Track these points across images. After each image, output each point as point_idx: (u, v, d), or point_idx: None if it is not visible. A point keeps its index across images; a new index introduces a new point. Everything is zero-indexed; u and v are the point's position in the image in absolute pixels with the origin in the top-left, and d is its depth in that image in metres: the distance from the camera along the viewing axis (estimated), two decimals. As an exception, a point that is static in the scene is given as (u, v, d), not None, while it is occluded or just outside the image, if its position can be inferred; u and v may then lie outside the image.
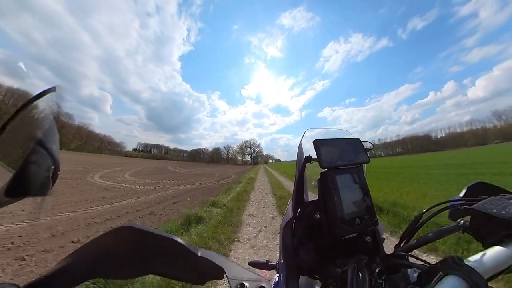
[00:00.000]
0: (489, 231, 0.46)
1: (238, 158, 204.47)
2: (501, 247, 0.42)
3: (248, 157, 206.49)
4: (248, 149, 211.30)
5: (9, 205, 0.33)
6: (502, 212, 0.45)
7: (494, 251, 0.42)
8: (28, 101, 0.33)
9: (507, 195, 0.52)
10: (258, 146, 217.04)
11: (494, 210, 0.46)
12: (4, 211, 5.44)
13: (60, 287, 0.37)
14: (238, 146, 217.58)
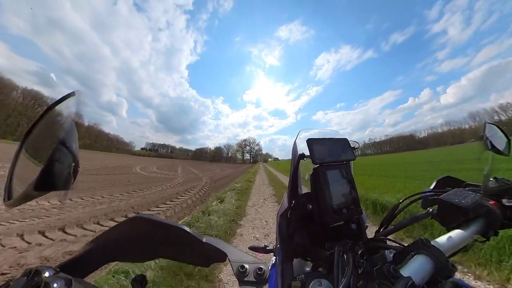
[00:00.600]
0: (451, 217, 0.51)
1: (238, 156, 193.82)
2: (460, 230, 0.46)
3: (247, 156, 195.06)
4: (247, 147, 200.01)
5: (37, 198, 0.34)
6: (463, 201, 0.49)
7: (455, 234, 0.46)
8: (51, 105, 0.34)
9: (468, 187, 0.57)
10: (258, 144, 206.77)
11: (456, 200, 0.50)
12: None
13: (86, 268, 0.39)
14: (237, 144, 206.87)
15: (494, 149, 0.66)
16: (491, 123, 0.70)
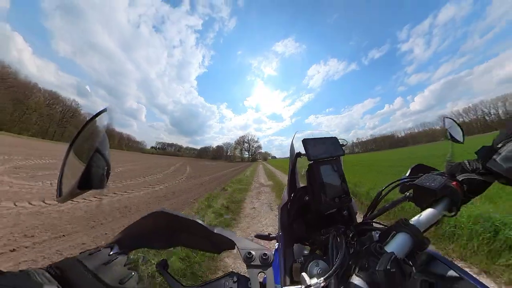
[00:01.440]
0: (424, 198, 0.54)
1: (237, 154, 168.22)
2: (431, 209, 0.49)
3: (247, 154, 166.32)
4: (246, 144, 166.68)
5: (79, 196, 0.37)
6: (432, 184, 0.52)
7: (427, 212, 0.49)
8: (89, 119, 0.38)
9: (436, 172, 0.60)
10: (257, 141, 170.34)
11: (427, 183, 0.53)
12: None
13: (123, 249, 0.41)
14: (235, 142, 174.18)
15: (452, 138, 0.73)
16: (449, 117, 0.76)
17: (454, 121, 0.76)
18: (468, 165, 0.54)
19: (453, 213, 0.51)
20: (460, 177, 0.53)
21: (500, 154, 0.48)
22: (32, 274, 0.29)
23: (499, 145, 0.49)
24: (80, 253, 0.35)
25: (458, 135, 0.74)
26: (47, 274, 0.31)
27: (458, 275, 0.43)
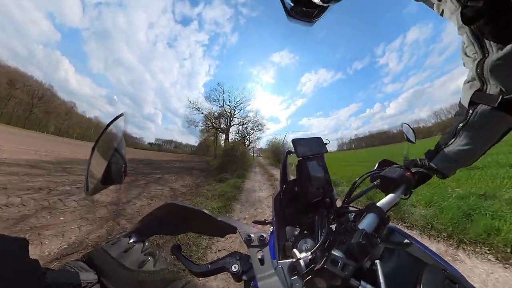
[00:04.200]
0: (387, 186, 0.66)
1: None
2: (392, 194, 0.61)
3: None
4: (229, 118, 29.96)
5: (102, 190, 0.41)
6: (393, 175, 0.65)
7: (389, 197, 0.60)
8: (109, 123, 0.41)
9: (396, 165, 0.73)
10: (255, 120, 30.49)
11: (390, 174, 0.65)
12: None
13: (138, 237, 0.46)
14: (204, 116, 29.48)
15: (408, 139, 0.92)
16: (405, 123, 0.95)
17: (409, 126, 0.94)
18: (419, 162, 0.69)
19: (407, 196, 0.65)
20: (413, 170, 0.68)
21: (439, 156, 0.63)
22: (74, 267, 0.35)
23: (439, 149, 0.64)
24: (105, 242, 0.40)
25: (412, 137, 0.93)
26: (83, 264, 0.36)
27: (409, 242, 0.55)
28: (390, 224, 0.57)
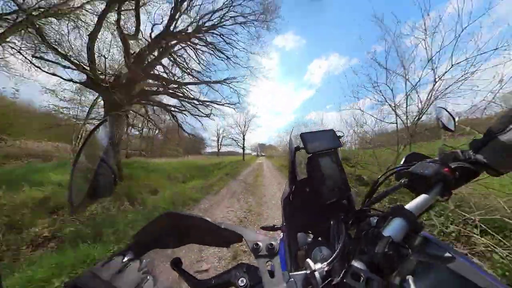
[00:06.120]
0: (418, 185, 0.55)
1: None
2: (425, 195, 0.50)
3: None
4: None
5: (91, 205, 0.37)
6: (426, 171, 0.53)
7: (421, 198, 0.50)
8: (91, 131, 0.38)
9: (429, 160, 0.60)
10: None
11: (421, 171, 0.54)
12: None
13: (134, 255, 0.42)
14: None
15: (444, 127, 0.73)
16: (441, 107, 0.76)
17: (446, 110, 0.75)
18: (461, 155, 0.56)
19: (446, 198, 0.53)
20: (452, 165, 0.54)
21: (490, 146, 0.50)
22: None
23: (491, 137, 0.50)
24: (94, 264, 0.36)
25: (450, 124, 0.73)
26: None
27: (451, 255, 0.44)
28: (424, 232, 0.48)
